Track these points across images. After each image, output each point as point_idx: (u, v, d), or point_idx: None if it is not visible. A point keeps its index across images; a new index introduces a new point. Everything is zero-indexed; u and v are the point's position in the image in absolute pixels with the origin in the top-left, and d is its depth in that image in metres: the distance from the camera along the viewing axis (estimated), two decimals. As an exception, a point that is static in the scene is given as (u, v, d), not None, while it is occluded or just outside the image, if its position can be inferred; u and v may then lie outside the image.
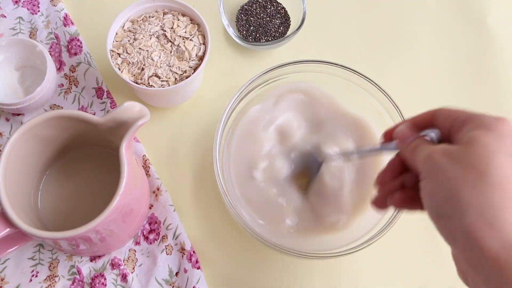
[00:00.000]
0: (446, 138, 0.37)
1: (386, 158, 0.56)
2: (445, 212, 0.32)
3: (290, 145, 0.57)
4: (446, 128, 0.36)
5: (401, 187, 0.39)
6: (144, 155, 0.59)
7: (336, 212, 0.54)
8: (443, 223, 0.33)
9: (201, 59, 0.57)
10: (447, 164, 0.33)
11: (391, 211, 0.51)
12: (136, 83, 0.55)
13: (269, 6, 0.65)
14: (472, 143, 0.32)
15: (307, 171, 0.56)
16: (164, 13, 0.58)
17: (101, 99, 0.61)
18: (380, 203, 0.41)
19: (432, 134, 0.37)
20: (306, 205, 0.55)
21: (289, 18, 0.65)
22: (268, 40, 0.63)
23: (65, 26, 0.63)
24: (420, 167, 0.35)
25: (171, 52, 0.56)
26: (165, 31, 0.57)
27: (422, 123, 0.39)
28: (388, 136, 0.41)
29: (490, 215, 0.30)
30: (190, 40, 0.57)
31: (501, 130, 0.32)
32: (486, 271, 0.30)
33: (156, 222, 0.56)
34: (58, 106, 0.61)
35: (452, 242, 0.33)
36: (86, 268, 0.54)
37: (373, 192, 0.43)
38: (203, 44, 0.57)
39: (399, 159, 0.40)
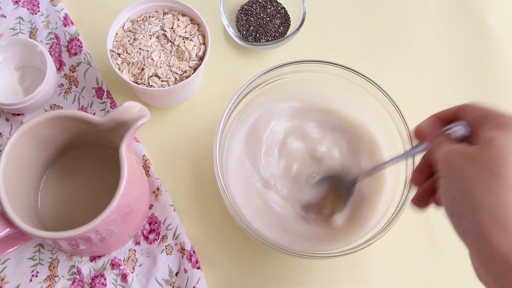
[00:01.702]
0: (471, 132, 0.37)
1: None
2: (459, 210, 0.33)
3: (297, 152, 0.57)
4: (470, 124, 0.37)
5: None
6: (144, 155, 0.59)
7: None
8: (457, 222, 0.34)
9: (201, 59, 0.57)
10: (463, 164, 0.33)
11: (391, 211, 0.51)
12: (136, 83, 0.55)
13: (269, 6, 0.65)
14: (488, 144, 0.33)
15: (332, 193, 0.55)
16: (164, 13, 0.58)
17: (101, 99, 0.61)
18: (420, 203, 0.41)
19: (457, 128, 0.38)
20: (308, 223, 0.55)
21: (289, 18, 0.65)
22: (268, 40, 0.63)
23: (65, 26, 0.63)
24: (439, 165, 0.36)
25: (171, 52, 0.56)
26: (165, 31, 0.57)
27: (448, 117, 0.39)
28: (418, 132, 0.41)
29: (502, 216, 0.30)
30: (190, 40, 0.57)
31: None
32: (495, 270, 0.30)
33: (156, 222, 0.56)
34: (58, 106, 0.61)
35: (465, 241, 0.33)
36: (86, 268, 0.54)
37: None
38: (203, 44, 0.57)
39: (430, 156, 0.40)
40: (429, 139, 0.39)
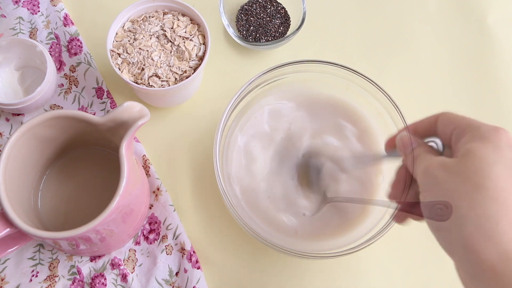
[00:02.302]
0: (448, 144, 0.37)
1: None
2: (443, 224, 0.33)
3: (294, 149, 0.57)
4: (447, 135, 0.36)
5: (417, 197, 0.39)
6: (144, 155, 0.59)
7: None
8: (442, 235, 0.34)
9: (201, 59, 0.57)
10: (444, 177, 0.33)
11: (390, 211, 0.51)
12: (136, 83, 0.55)
13: (269, 6, 0.65)
14: (469, 155, 0.33)
15: (309, 178, 0.56)
16: (164, 13, 0.58)
17: (101, 99, 0.61)
18: (401, 219, 0.41)
19: (432, 144, 0.37)
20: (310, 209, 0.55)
21: (289, 18, 0.65)
22: (268, 40, 0.63)
23: (65, 26, 0.63)
24: (419, 179, 0.36)
25: (171, 52, 0.56)
26: (165, 31, 0.57)
27: (425, 129, 0.39)
28: (391, 143, 0.41)
29: (487, 227, 0.30)
30: (190, 40, 0.57)
31: (497, 141, 0.33)
32: (484, 282, 0.30)
33: (156, 222, 0.56)
34: (58, 106, 0.61)
35: (451, 254, 0.33)
36: (86, 268, 0.54)
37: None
38: (203, 44, 0.57)
39: (406, 168, 0.40)
40: (403, 152, 0.39)
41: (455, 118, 0.36)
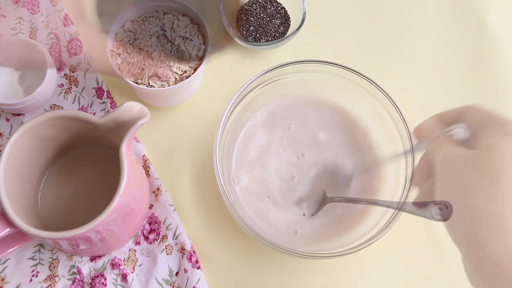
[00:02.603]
0: (472, 135, 0.36)
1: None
2: (454, 215, 0.33)
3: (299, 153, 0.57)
4: (472, 127, 0.36)
5: None
6: (144, 155, 0.59)
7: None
8: (452, 226, 0.33)
9: (201, 59, 0.57)
10: (461, 168, 0.33)
11: (391, 211, 0.51)
12: (136, 83, 0.55)
13: (269, 6, 0.65)
14: (489, 150, 0.32)
15: (328, 184, 0.56)
16: (164, 13, 0.58)
17: (101, 99, 0.61)
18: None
19: (458, 130, 0.37)
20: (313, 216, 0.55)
21: (289, 18, 0.65)
22: (268, 40, 0.63)
23: (65, 26, 0.63)
24: (437, 168, 0.35)
25: (171, 52, 0.56)
26: (165, 31, 0.57)
27: (452, 118, 0.38)
28: (419, 131, 0.41)
29: (497, 223, 0.30)
30: (190, 40, 0.57)
31: None
32: (487, 276, 0.30)
33: (156, 222, 0.56)
34: (58, 106, 0.61)
35: (458, 245, 0.33)
36: (86, 268, 0.54)
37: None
38: (203, 44, 0.57)
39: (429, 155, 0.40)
40: (429, 140, 0.39)
41: (482, 111, 0.36)
